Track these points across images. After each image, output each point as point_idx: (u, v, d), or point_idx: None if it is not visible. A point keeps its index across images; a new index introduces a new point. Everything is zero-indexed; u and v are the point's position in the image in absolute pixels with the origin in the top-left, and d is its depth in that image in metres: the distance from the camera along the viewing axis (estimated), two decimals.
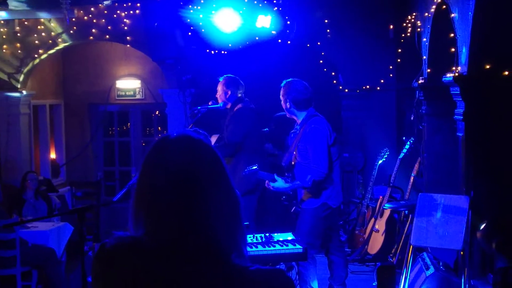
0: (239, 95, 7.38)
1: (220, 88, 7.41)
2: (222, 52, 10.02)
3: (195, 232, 1.67)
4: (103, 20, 10.15)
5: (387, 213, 8.53)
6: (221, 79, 7.43)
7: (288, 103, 6.32)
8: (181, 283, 1.65)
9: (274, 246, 5.15)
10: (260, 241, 5.27)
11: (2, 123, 10.44)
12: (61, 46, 10.41)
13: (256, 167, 6.23)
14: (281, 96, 6.41)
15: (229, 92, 7.34)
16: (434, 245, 6.17)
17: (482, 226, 5.92)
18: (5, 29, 10.15)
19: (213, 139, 7.48)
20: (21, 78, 10.40)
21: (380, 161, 9.01)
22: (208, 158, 1.74)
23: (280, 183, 6.23)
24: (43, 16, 9.77)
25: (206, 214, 1.67)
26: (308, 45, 10.29)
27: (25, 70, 10.41)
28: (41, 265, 7.71)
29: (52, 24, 10.14)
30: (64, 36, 10.26)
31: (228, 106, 7.36)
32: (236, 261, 1.70)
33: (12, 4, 8.72)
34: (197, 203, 1.68)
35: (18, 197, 8.79)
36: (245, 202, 2.96)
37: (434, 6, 7.44)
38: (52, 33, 10.20)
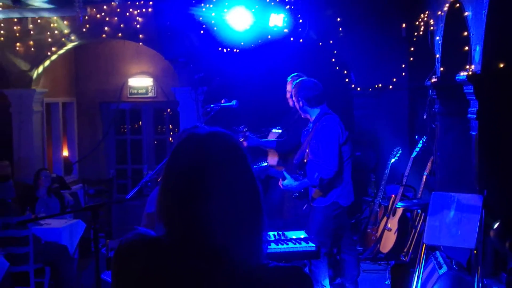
0: None
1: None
2: (235, 50, 10.01)
3: (207, 232, 1.66)
4: (116, 18, 10.17)
5: (399, 211, 8.51)
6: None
7: (300, 102, 6.34)
8: (196, 283, 1.65)
9: (287, 244, 5.14)
10: (273, 239, 5.27)
11: (15, 121, 10.50)
12: (73, 44, 10.44)
13: (266, 163, 6.23)
14: (293, 97, 6.46)
15: None
16: (447, 243, 6.15)
17: (496, 225, 5.89)
18: (19, 27, 10.19)
19: (272, 136, 7.51)
20: (34, 76, 10.45)
21: (393, 160, 8.99)
22: (221, 158, 1.71)
23: (289, 181, 6.25)
24: (56, 14, 9.82)
25: (217, 215, 1.66)
26: (320, 43, 10.27)
27: (38, 68, 10.46)
28: (53, 262, 7.74)
29: (65, 22, 10.17)
30: (77, 34, 10.28)
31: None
32: (253, 260, 1.69)
33: (26, 3, 8.77)
34: (207, 204, 1.66)
35: (31, 195, 8.83)
36: None
37: (447, 5, 7.41)
38: (65, 31, 10.23)
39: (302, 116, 6.57)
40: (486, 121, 6.13)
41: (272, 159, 7.38)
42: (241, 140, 6.86)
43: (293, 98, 6.46)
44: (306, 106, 6.34)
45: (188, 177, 1.68)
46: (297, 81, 6.47)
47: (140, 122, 12.39)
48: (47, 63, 10.56)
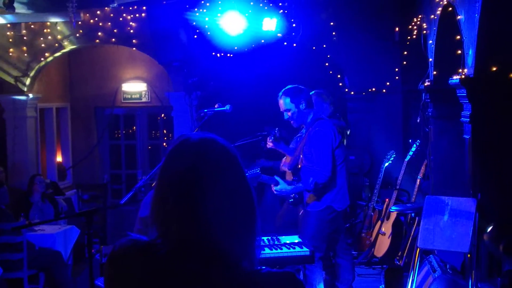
0: None
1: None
2: (228, 55, 10.02)
3: (201, 236, 1.66)
4: (109, 23, 10.17)
5: (393, 215, 8.51)
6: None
7: (302, 105, 6.19)
8: (191, 287, 1.65)
9: (281, 249, 5.13)
10: (267, 243, 5.25)
11: (9, 127, 10.47)
12: (67, 49, 10.44)
13: (258, 170, 6.20)
14: (289, 105, 6.23)
15: None
16: (441, 247, 6.15)
17: (489, 229, 5.90)
18: (12, 33, 10.17)
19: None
20: (28, 81, 10.43)
21: (387, 164, 8.99)
22: (214, 162, 1.71)
23: (283, 186, 6.22)
24: (49, 19, 9.79)
25: (211, 219, 1.66)
26: (314, 47, 10.28)
27: (32, 73, 10.43)
28: (48, 268, 7.72)
29: (58, 27, 10.17)
30: (70, 39, 10.28)
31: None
32: (246, 265, 1.69)
33: (19, 8, 8.74)
34: (201, 208, 1.66)
35: (25, 200, 8.81)
36: None
37: (440, 8, 7.42)
38: (59, 36, 10.22)
39: (295, 126, 6.45)
40: (479, 124, 6.14)
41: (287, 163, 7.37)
42: (270, 141, 6.79)
43: (289, 107, 6.24)
44: (308, 108, 6.23)
45: (182, 181, 1.68)
46: (284, 89, 6.27)
47: (134, 127, 12.38)
48: (40, 68, 10.54)
